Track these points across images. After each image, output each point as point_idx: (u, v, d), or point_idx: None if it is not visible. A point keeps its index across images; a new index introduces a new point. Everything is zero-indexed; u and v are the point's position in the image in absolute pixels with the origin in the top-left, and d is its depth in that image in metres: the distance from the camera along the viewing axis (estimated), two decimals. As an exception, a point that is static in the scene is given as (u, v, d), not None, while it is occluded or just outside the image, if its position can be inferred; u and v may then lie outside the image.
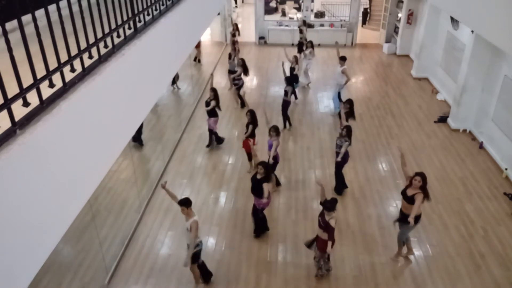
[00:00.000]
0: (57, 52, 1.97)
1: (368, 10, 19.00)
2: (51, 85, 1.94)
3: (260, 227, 6.76)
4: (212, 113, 8.87)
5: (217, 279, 6.03)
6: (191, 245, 5.38)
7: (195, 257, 5.61)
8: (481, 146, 9.24)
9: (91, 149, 2.28)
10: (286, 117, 10.06)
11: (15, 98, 1.68)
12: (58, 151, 1.93)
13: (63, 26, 2.05)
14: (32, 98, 1.77)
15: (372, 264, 6.26)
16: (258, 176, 6.23)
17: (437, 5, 10.47)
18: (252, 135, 8.06)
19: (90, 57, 2.34)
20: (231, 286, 5.97)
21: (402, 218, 5.94)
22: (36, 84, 1.81)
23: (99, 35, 2.45)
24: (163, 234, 6.89)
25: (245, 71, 10.80)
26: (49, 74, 1.92)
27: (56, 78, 1.97)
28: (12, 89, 1.67)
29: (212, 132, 9.19)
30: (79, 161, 2.15)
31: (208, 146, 9.30)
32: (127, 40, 2.84)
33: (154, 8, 3.49)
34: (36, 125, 1.74)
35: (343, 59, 10.32)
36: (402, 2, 14.63)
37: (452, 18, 10.93)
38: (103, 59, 2.44)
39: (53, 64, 1.94)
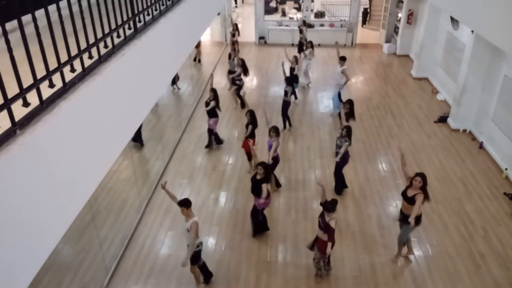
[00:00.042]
0: (57, 52, 1.97)
1: (368, 10, 19.00)
2: (51, 85, 1.94)
3: (258, 227, 6.75)
4: (212, 114, 8.86)
5: (217, 279, 6.03)
6: (190, 246, 5.38)
7: (195, 258, 5.61)
8: (481, 146, 9.24)
9: (91, 149, 2.28)
10: (286, 117, 10.06)
11: (15, 98, 1.69)
12: (58, 151, 1.93)
13: (63, 26, 2.05)
14: (32, 98, 1.77)
15: (372, 264, 6.26)
16: (258, 177, 6.23)
17: (437, 5, 10.47)
18: (252, 135, 8.06)
19: (90, 57, 2.35)
20: (231, 286, 5.97)
21: (403, 219, 5.94)
22: (36, 84, 1.81)
23: (99, 35, 2.45)
24: (163, 234, 6.89)
25: (245, 72, 10.80)
26: (49, 74, 1.92)
27: (56, 78, 1.97)
28: (12, 89, 1.67)
29: (211, 133, 9.19)
30: (79, 161, 2.15)
31: (207, 147, 9.29)
32: (127, 40, 2.84)
33: (154, 8, 3.49)
34: (36, 125, 1.74)
35: (343, 59, 10.32)
36: (402, 2, 14.63)
37: (452, 18, 10.93)
38: (103, 59, 2.44)
39: (53, 64, 1.94)
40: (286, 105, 9.88)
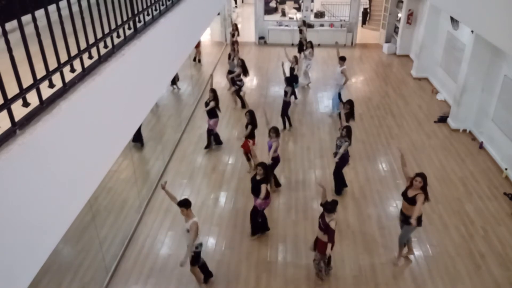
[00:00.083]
0: (57, 52, 1.97)
1: (368, 10, 19.00)
2: (51, 85, 1.94)
3: (257, 227, 6.74)
4: (212, 114, 8.85)
5: (217, 279, 6.03)
6: (190, 246, 5.37)
7: (195, 259, 5.60)
8: (481, 146, 9.24)
9: (91, 149, 2.28)
10: (287, 118, 10.05)
11: (15, 98, 1.69)
12: (58, 151, 1.93)
13: (63, 26, 2.05)
14: (32, 98, 1.77)
15: (372, 264, 6.26)
16: (258, 177, 6.23)
17: (437, 5, 10.47)
18: (252, 135, 8.05)
19: (90, 57, 2.35)
20: (231, 286, 5.97)
21: (403, 219, 5.94)
22: (36, 84, 1.81)
23: (99, 35, 2.45)
24: (163, 234, 6.89)
25: (245, 72, 10.79)
26: (49, 74, 1.92)
27: (56, 78, 1.97)
28: (12, 89, 1.67)
29: (211, 133, 9.18)
30: (79, 161, 2.15)
31: (206, 147, 9.28)
32: (127, 40, 2.84)
33: (154, 8, 3.49)
34: (36, 125, 1.74)
35: (342, 59, 10.32)
36: (402, 2, 14.63)
37: (452, 18, 10.93)
38: (103, 59, 2.44)
39: (53, 64, 1.94)
40: (286, 105, 9.88)
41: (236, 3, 21.14)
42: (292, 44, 15.73)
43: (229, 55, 12.14)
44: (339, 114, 8.96)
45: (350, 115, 8.15)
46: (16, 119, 1.67)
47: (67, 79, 2.05)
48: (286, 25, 16.72)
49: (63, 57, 2.04)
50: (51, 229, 1.93)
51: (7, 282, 1.60)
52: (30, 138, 1.66)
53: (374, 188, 7.99)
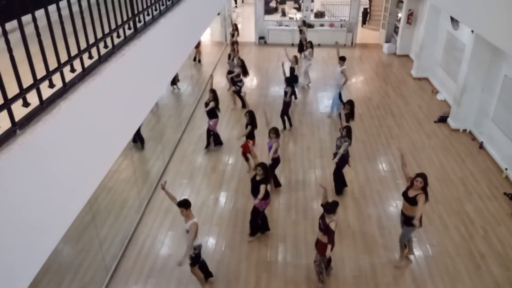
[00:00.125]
0: (57, 52, 1.97)
1: (368, 10, 19.00)
2: (51, 85, 1.94)
3: (256, 228, 6.73)
4: (212, 114, 8.85)
5: (217, 279, 6.03)
6: (188, 247, 5.35)
7: (195, 260, 5.59)
8: (481, 146, 9.24)
9: (91, 149, 2.28)
10: (287, 117, 10.04)
11: (15, 98, 1.69)
12: (58, 151, 1.93)
13: (63, 26, 2.05)
14: (32, 98, 1.78)
15: (372, 264, 6.26)
16: (257, 178, 6.22)
17: (437, 5, 10.47)
18: (252, 136, 8.04)
19: (90, 57, 2.35)
20: (231, 286, 5.97)
21: (404, 220, 5.93)
22: (36, 84, 1.81)
23: (99, 35, 2.45)
24: (163, 234, 6.89)
25: (244, 72, 10.78)
26: (49, 74, 1.92)
27: (56, 78, 1.97)
28: (12, 89, 1.67)
29: (210, 134, 9.17)
30: (79, 161, 2.15)
31: (206, 147, 9.27)
32: (127, 40, 2.84)
33: (154, 8, 3.49)
34: (36, 125, 1.74)
35: (342, 59, 10.31)
36: (402, 2, 14.63)
37: (452, 18, 10.93)
38: (103, 59, 2.44)
39: (53, 64, 1.94)
40: (286, 105, 9.87)
41: (236, 3, 21.14)
42: (292, 44, 15.73)
43: (229, 55, 12.14)
44: (339, 114, 8.95)
45: (350, 115, 8.15)
46: (16, 119, 1.67)
47: (67, 79, 2.05)
48: (286, 25, 16.72)
49: (63, 57, 2.04)
50: (51, 229, 1.93)
51: (7, 282, 1.60)
52: (30, 138, 1.66)
53: (374, 188, 7.99)
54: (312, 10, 17.06)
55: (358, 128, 9.97)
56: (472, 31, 9.11)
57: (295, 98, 11.41)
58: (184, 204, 5.29)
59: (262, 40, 16.74)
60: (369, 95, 12.11)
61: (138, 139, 8.72)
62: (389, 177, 8.31)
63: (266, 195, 6.28)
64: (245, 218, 7.12)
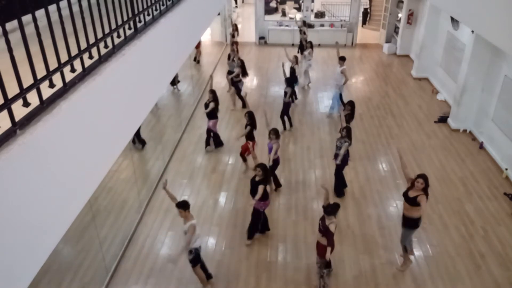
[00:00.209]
0: (57, 52, 1.97)
1: (368, 10, 19.00)
2: (51, 85, 1.94)
3: (255, 231, 6.71)
4: (212, 115, 8.84)
5: (217, 279, 6.03)
6: (185, 248, 5.33)
7: (196, 260, 5.58)
8: (481, 146, 9.24)
9: (91, 149, 2.28)
10: (287, 118, 10.03)
11: (15, 98, 1.69)
12: (58, 151, 1.93)
13: (63, 26, 2.05)
14: (32, 98, 1.78)
15: (372, 264, 6.26)
16: (257, 178, 6.21)
17: (437, 5, 10.47)
18: (252, 137, 8.02)
19: (90, 57, 2.35)
20: (231, 286, 5.97)
21: (404, 222, 5.92)
22: (36, 84, 1.81)
23: (99, 35, 2.45)
24: (163, 234, 6.89)
25: (244, 73, 10.77)
26: (49, 74, 1.92)
27: (56, 78, 1.97)
28: (12, 89, 1.67)
29: (210, 134, 9.15)
30: (79, 161, 2.15)
31: (206, 148, 9.25)
32: (127, 40, 2.84)
33: (154, 8, 3.49)
34: (36, 125, 1.74)
35: (342, 59, 10.31)
36: (402, 2, 14.63)
37: (452, 18, 10.93)
38: (103, 59, 2.44)
39: (53, 64, 1.94)
40: (286, 106, 9.86)
41: (236, 3, 21.14)
42: (292, 44, 15.73)
43: (229, 56, 12.14)
44: (339, 115, 8.94)
45: (350, 116, 8.14)
46: (17, 119, 1.67)
47: (67, 79, 2.05)
48: (287, 25, 16.72)
49: (64, 57, 2.04)
50: (51, 229, 1.93)
51: (7, 282, 1.60)
52: (30, 138, 1.66)
53: (374, 188, 7.99)
54: (312, 10, 17.06)
55: (358, 128, 9.97)
56: (472, 31, 9.11)
57: (296, 98, 11.41)
58: (183, 205, 5.26)
59: (262, 40, 16.74)
60: (369, 95, 12.11)
61: (138, 141, 8.71)
62: (389, 177, 8.31)
63: (265, 196, 6.27)
64: (245, 218, 7.12)
